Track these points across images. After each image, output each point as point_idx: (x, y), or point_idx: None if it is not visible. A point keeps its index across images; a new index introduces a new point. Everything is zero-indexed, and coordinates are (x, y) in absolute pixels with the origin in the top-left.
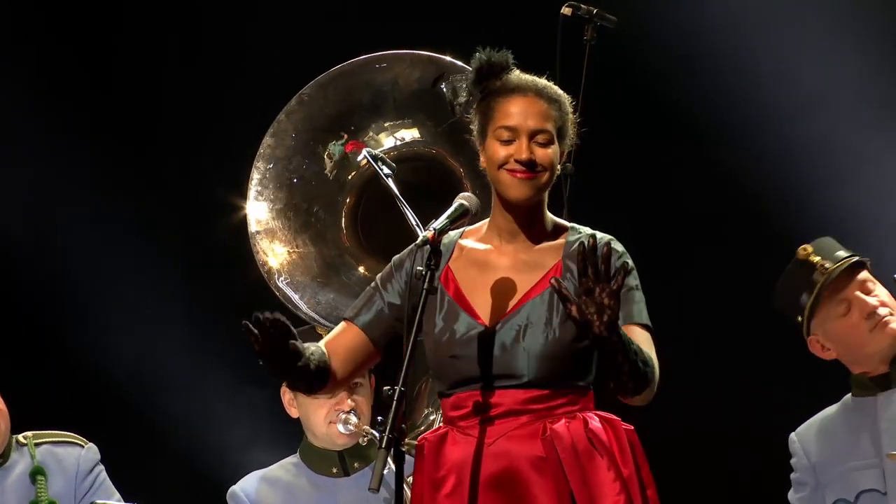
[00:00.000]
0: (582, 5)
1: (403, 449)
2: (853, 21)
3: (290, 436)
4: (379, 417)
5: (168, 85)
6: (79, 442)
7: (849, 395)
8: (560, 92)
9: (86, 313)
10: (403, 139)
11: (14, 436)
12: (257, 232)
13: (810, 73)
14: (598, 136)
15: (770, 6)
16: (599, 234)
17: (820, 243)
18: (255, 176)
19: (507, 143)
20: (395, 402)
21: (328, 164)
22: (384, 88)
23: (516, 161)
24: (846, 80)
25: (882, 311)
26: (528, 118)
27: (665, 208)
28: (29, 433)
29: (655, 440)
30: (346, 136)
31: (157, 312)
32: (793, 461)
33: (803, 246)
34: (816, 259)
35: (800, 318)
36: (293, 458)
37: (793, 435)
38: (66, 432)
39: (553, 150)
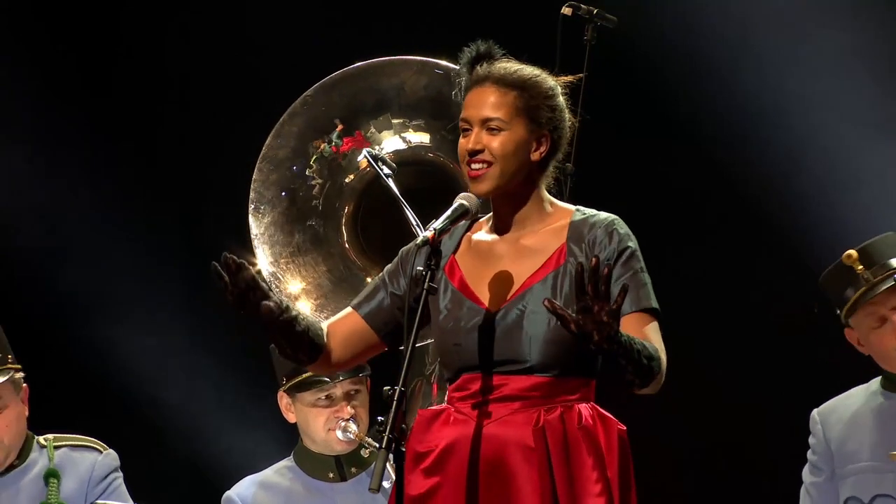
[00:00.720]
0: (582, 5)
1: (403, 449)
2: (854, 21)
3: (291, 440)
4: (379, 417)
5: (170, 88)
6: (97, 447)
7: (877, 382)
8: (529, 76)
9: (89, 315)
10: (410, 142)
11: (36, 437)
12: (269, 272)
13: (811, 72)
14: (598, 136)
15: (770, 7)
16: (604, 214)
17: (873, 246)
18: (258, 178)
19: (466, 134)
20: (394, 403)
21: (314, 166)
22: (390, 94)
23: (467, 153)
24: (848, 78)
25: None
26: (480, 108)
27: (665, 208)
28: (50, 436)
29: (651, 440)
30: (340, 128)
31: (162, 315)
32: (811, 441)
33: (848, 252)
34: (860, 268)
35: (838, 312)
36: (287, 462)
37: (815, 413)
38: (87, 437)
39: (506, 137)
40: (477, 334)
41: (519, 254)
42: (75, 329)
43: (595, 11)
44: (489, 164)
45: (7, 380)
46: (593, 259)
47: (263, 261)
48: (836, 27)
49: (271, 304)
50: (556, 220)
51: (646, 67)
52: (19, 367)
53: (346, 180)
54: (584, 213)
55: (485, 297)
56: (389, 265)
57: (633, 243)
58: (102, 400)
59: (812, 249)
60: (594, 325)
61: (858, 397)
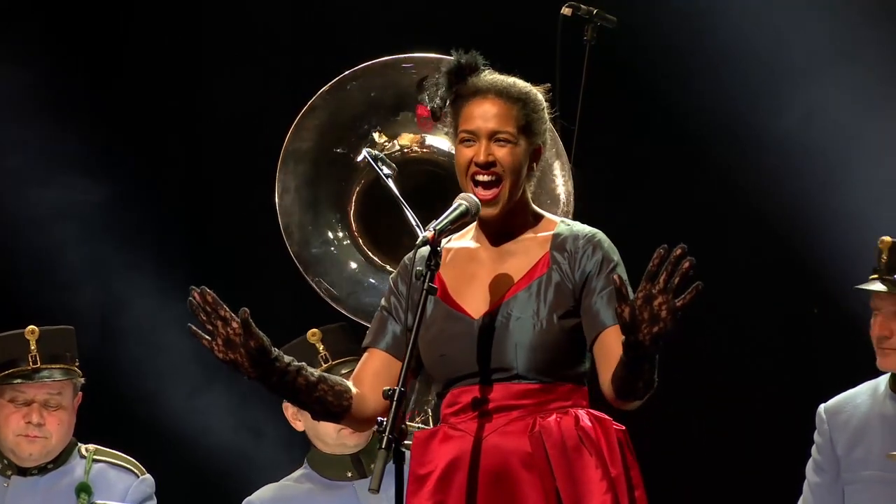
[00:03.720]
0: (582, 5)
1: (403, 449)
2: (855, 20)
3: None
4: (378, 418)
5: (178, 83)
6: (136, 471)
7: (885, 382)
8: (527, 89)
9: (89, 316)
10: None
11: (80, 445)
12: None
13: (812, 73)
14: (597, 136)
15: (770, 7)
16: (588, 227)
17: None
18: (282, 170)
19: (469, 145)
20: (394, 403)
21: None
22: (409, 90)
23: (475, 164)
24: (849, 79)
25: (885, 343)
26: (488, 120)
27: (664, 208)
28: (92, 447)
29: (650, 442)
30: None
31: (166, 316)
32: (817, 438)
33: (882, 239)
34: (884, 259)
35: None
36: (302, 471)
37: (821, 411)
38: (128, 457)
39: (514, 150)
40: (462, 343)
41: (502, 261)
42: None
43: (595, 11)
44: (499, 178)
45: (71, 380)
46: (680, 248)
47: (295, 248)
48: (836, 26)
49: (259, 340)
50: (540, 229)
51: (646, 67)
52: (81, 373)
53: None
54: (569, 225)
55: (468, 305)
56: (384, 294)
57: (616, 257)
58: (107, 405)
59: (812, 250)
60: (650, 317)
61: (867, 398)
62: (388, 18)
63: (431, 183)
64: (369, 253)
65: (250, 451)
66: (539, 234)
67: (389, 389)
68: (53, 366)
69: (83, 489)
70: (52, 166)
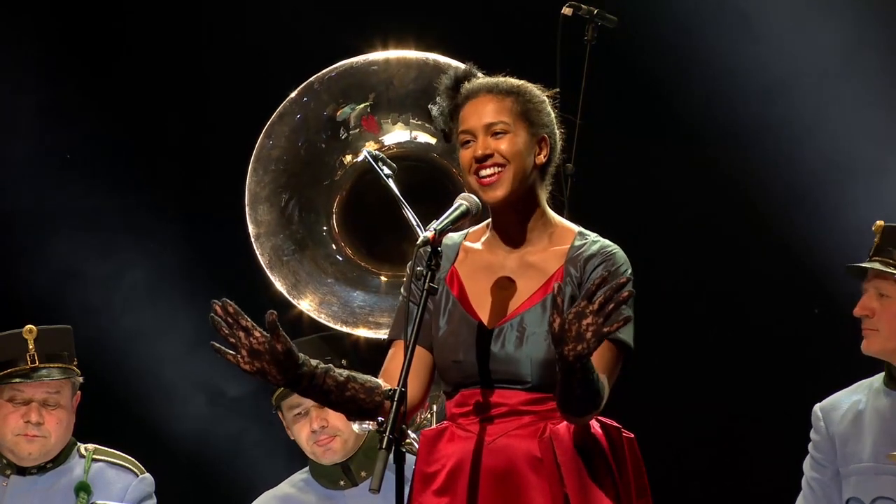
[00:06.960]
0: (582, 5)
1: (403, 449)
2: (853, 17)
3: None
4: (379, 418)
5: (170, 91)
6: (135, 470)
7: (880, 380)
8: (519, 83)
9: (90, 317)
10: (416, 139)
11: (79, 444)
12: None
13: (810, 72)
14: (598, 136)
15: (770, 6)
16: (605, 241)
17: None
18: (252, 178)
19: (468, 146)
20: (395, 403)
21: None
22: (379, 89)
23: (475, 160)
24: (846, 78)
25: (866, 322)
26: (482, 116)
27: (664, 208)
28: (91, 446)
29: (660, 449)
30: (369, 107)
31: (172, 319)
32: (813, 436)
33: (876, 223)
34: (875, 241)
35: None
36: (303, 475)
37: (816, 409)
38: (127, 456)
39: (512, 139)
40: (476, 352)
41: (522, 271)
42: (81, 338)
43: (595, 11)
44: (501, 166)
45: (70, 379)
46: (624, 278)
47: (264, 259)
48: (834, 25)
49: (287, 344)
50: (559, 239)
51: (646, 67)
52: (80, 373)
53: (337, 175)
54: (586, 238)
55: (485, 314)
56: (404, 284)
57: (629, 274)
58: (110, 411)
59: (812, 252)
60: (576, 334)
61: (862, 394)
62: (387, 19)
63: (416, 178)
64: (358, 261)
65: (250, 451)
66: (557, 245)
67: (390, 389)
68: (52, 365)
69: (82, 488)
70: (49, 163)
